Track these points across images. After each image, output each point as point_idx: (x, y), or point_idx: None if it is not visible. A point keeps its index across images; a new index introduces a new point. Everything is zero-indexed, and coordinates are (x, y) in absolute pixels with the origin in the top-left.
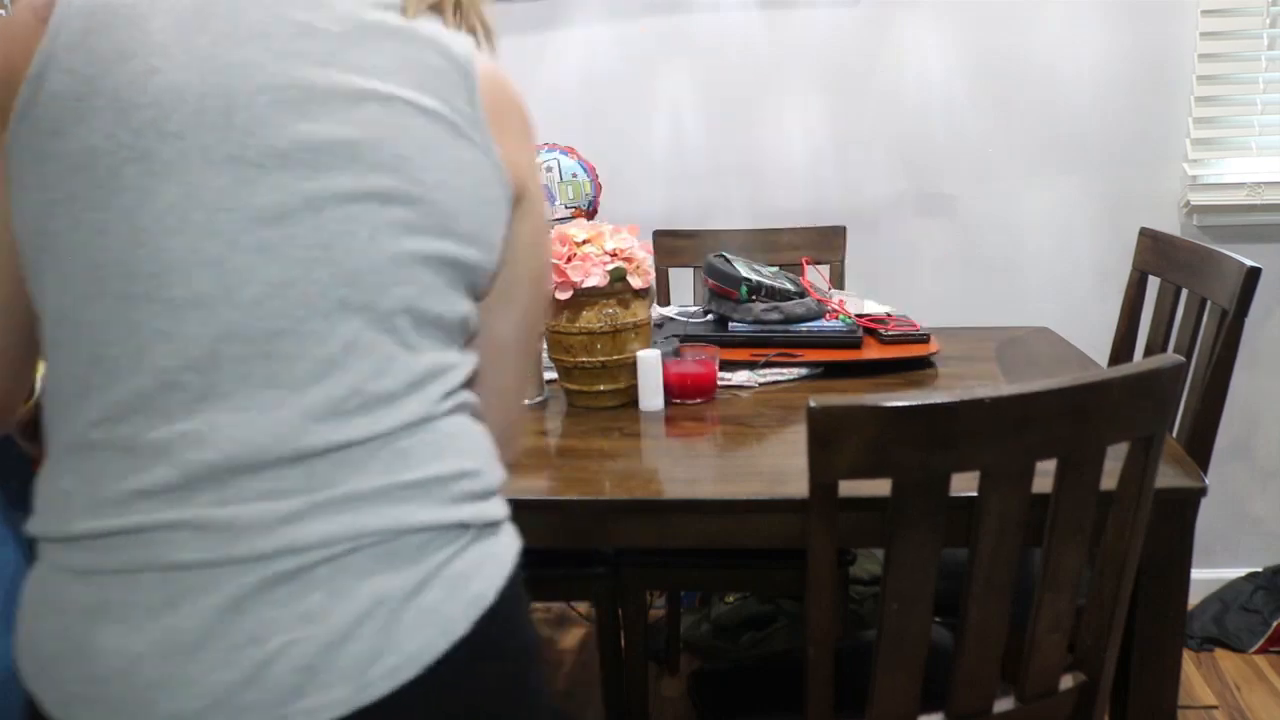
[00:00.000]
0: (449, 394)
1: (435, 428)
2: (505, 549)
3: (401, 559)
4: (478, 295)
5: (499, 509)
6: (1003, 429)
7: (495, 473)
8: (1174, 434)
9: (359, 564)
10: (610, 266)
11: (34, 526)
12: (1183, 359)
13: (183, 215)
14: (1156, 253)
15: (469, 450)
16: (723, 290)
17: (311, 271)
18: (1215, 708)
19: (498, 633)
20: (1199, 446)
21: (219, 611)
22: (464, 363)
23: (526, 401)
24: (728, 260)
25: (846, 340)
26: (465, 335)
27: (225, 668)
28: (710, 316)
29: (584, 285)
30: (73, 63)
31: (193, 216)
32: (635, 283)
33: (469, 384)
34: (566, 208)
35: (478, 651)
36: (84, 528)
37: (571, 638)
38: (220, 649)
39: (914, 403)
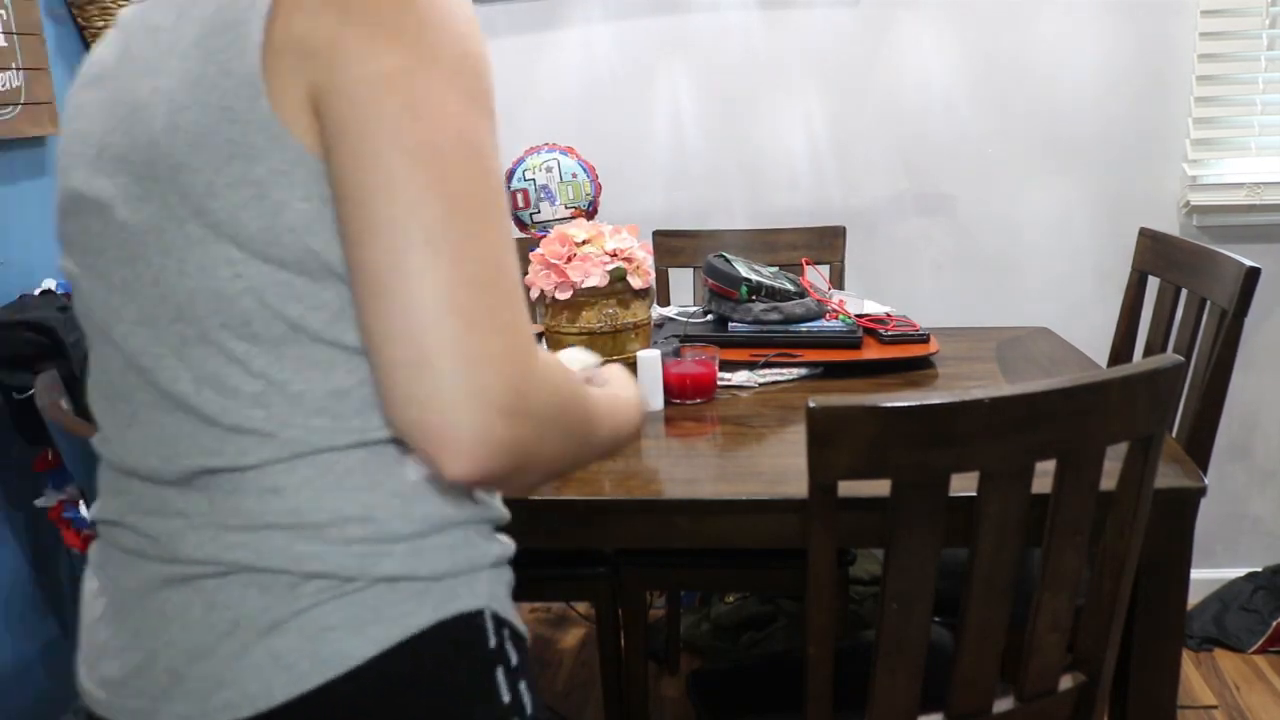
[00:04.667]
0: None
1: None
2: (413, 611)
3: (271, 594)
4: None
5: (409, 564)
6: (1002, 429)
7: (406, 519)
8: (1174, 434)
9: (232, 587)
10: (610, 266)
11: None
12: (1182, 359)
13: None
14: (1156, 253)
15: (362, 490)
16: (723, 290)
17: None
18: (1215, 707)
19: (369, 702)
20: (1198, 446)
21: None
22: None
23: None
24: (728, 260)
25: (846, 340)
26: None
27: (130, 650)
28: (710, 316)
29: (584, 285)
30: None
31: None
32: (635, 283)
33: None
34: (566, 208)
35: (332, 713)
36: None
37: (571, 638)
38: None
39: (913, 403)
